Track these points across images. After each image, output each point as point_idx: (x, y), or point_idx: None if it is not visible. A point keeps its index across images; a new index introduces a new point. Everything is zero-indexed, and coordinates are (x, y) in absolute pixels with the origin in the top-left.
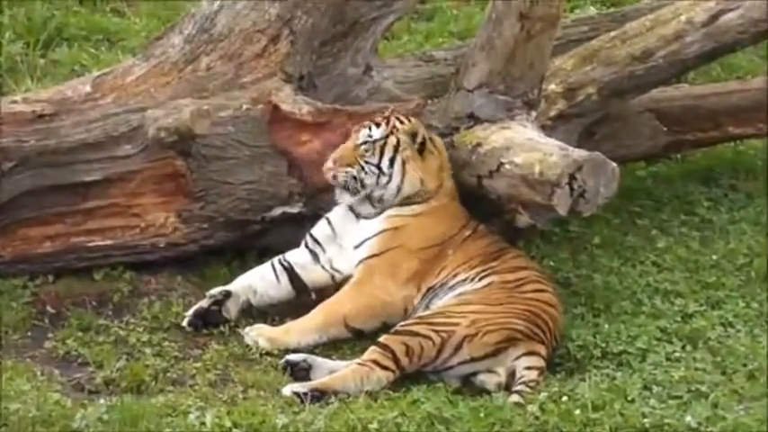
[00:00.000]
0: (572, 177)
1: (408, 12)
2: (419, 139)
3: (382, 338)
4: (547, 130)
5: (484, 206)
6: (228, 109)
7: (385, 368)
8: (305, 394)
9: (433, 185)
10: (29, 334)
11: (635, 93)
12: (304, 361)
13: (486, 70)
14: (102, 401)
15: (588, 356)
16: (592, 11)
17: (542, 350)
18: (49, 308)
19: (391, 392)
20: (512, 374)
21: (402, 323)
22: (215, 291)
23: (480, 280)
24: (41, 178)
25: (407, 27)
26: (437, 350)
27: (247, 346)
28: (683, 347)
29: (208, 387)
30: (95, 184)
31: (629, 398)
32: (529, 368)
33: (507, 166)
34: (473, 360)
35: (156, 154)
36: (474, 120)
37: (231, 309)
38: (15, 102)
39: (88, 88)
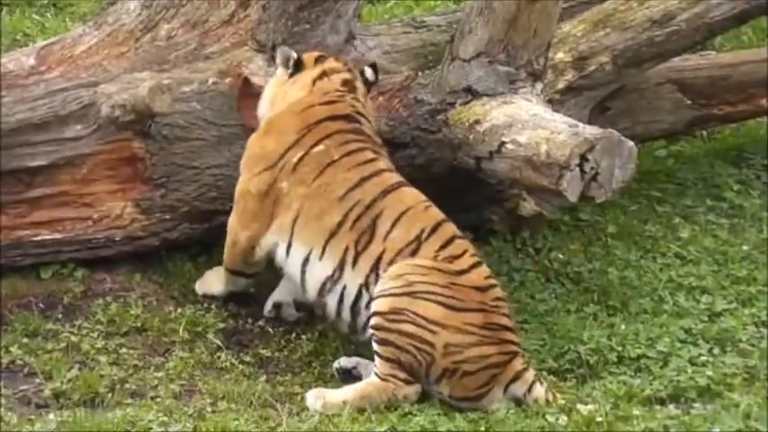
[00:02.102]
0: (583, 158)
1: None
2: (291, 63)
3: (382, 351)
4: (554, 104)
5: (483, 192)
6: (192, 83)
7: (409, 383)
8: None
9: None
10: None
11: (654, 61)
12: (355, 368)
13: (484, 37)
14: (51, 417)
15: (603, 361)
16: None
17: (520, 362)
18: None
19: None
20: (515, 400)
21: (372, 330)
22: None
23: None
24: None
25: None
26: (425, 372)
27: (215, 352)
28: (710, 350)
29: (171, 399)
30: (42, 170)
31: (649, 407)
32: (530, 391)
33: (509, 147)
34: (452, 398)
35: (110, 135)
36: (471, 94)
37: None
38: None
39: (32, 60)
